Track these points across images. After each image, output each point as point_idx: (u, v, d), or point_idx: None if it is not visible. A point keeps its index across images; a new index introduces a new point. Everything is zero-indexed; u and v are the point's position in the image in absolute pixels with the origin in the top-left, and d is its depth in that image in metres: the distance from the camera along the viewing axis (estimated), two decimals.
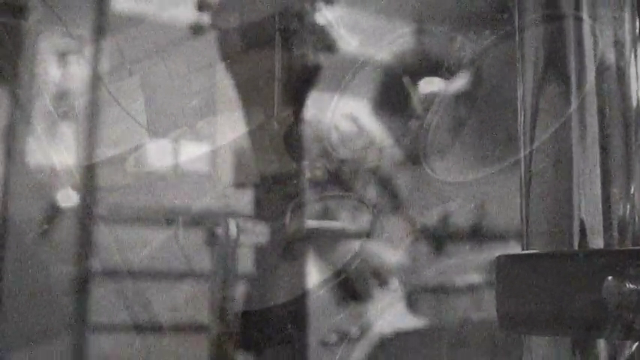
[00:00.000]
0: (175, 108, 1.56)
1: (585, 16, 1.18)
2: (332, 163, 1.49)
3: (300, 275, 1.43)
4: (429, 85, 1.47)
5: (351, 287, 1.42)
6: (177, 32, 1.57)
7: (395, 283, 1.41)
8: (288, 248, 1.47)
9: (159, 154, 1.53)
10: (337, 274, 1.40)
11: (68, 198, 1.46)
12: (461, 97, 1.42)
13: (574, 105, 1.15)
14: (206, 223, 1.49)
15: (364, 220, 1.44)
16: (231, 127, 1.56)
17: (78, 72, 1.51)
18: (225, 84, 1.58)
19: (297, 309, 1.38)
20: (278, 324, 1.37)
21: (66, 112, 1.50)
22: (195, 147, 1.54)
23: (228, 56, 1.58)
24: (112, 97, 1.50)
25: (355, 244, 1.42)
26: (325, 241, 1.46)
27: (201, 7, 1.53)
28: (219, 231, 1.49)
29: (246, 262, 1.48)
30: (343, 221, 1.46)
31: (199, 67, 1.57)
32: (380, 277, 1.42)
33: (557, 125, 1.17)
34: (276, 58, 1.56)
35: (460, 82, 1.43)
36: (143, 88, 1.53)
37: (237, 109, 1.59)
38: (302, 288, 1.40)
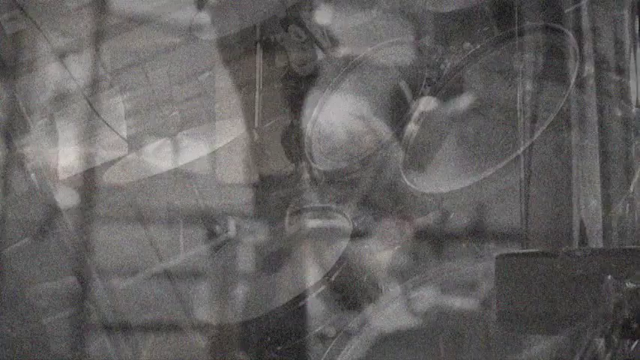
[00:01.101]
0: (156, 118, 1.57)
1: (585, 18, 1.19)
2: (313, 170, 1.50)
3: (296, 278, 1.44)
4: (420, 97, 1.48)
5: (345, 289, 1.42)
6: (159, 43, 1.57)
7: (389, 285, 1.41)
8: (268, 259, 1.48)
9: (158, 156, 1.53)
10: (330, 276, 1.41)
11: (67, 198, 1.46)
12: (443, 110, 1.43)
13: (566, 97, 1.16)
14: (206, 222, 1.50)
15: (362, 222, 1.44)
16: (211, 139, 1.56)
17: (76, 73, 1.51)
18: (207, 94, 1.59)
19: (295, 308, 1.39)
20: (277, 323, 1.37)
21: (65, 112, 1.50)
22: (194, 149, 1.54)
23: (212, 66, 1.59)
24: (92, 108, 1.51)
25: (351, 246, 1.43)
26: (320, 243, 1.47)
27: (200, 6, 1.53)
28: (219, 230, 1.49)
29: (245, 261, 1.48)
30: (341, 223, 1.47)
31: (181, 78, 1.58)
32: (374, 279, 1.43)
33: (553, 118, 1.17)
34: (257, 70, 1.57)
35: (440, 94, 1.45)
36: (124, 98, 1.54)
37: (219, 119, 1.59)
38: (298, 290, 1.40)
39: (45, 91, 1.53)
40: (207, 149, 1.56)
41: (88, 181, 1.50)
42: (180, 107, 1.59)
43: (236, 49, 1.59)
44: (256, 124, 1.59)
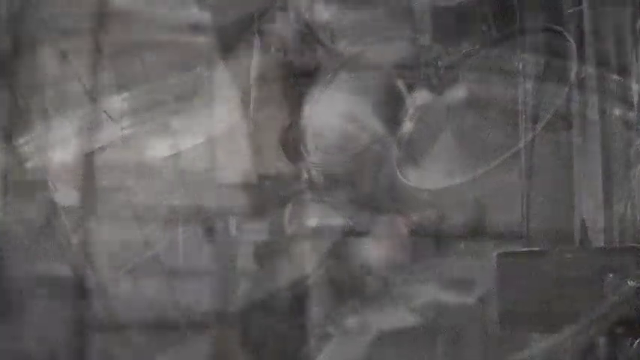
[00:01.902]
0: (154, 113, 1.56)
1: (585, 18, 1.19)
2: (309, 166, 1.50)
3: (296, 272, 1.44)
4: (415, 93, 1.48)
5: (341, 287, 1.43)
6: (158, 39, 1.57)
7: (386, 283, 1.41)
8: (259, 251, 1.48)
9: (157, 154, 1.53)
10: (326, 274, 1.41)
11: (68, 198, 1.47)
12: (439, 107, 1.43)
13: (564, 97, 1.16)
14: (205, 221, 1.49)
15: (358, 219, 1.45)
16: (207, 127, 1.56)
17: (75, 70, 1.51)
18: (202, 83, 1.59)
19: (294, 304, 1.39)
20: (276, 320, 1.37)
21: (64, 110, 1.50)
22: (194, 144, 1.54)
23: (208, 55, 1.58)
24: (91, 106, 1.51)
25: (347, 243, 1.43)
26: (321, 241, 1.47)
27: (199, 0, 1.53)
28: (219, 229, 1.49)
29: (245, 259, 1.48)
30: (337, 221, 1.47)
31: (177, 66, 1.58)
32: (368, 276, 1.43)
33: (550, 118, 1.18)
34: (252, 60, 1.57)
35: (437, 91, 1.45)
36: (122, 94, 1.54)
37: (214, 109, 1.59)
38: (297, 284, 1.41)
39: (44, 89, 1.53)
40: (204, 144, 1.56)
41: (87, 179, 1.50)
42: (178, 104, 1.59)
43: (233, 41, 1.59)
44: (251, 117, 1.59)
